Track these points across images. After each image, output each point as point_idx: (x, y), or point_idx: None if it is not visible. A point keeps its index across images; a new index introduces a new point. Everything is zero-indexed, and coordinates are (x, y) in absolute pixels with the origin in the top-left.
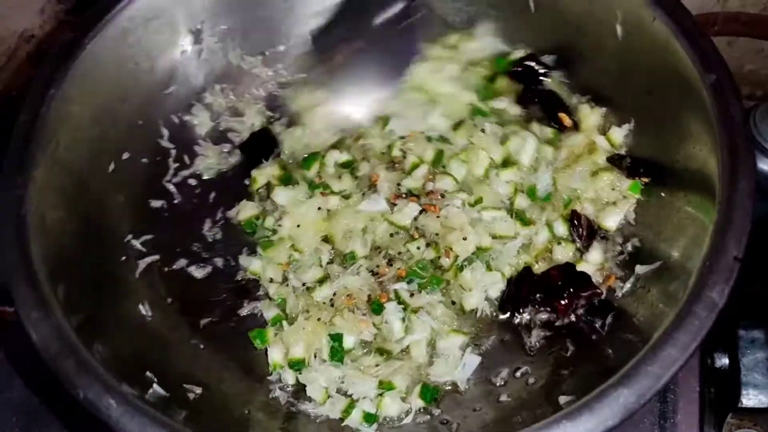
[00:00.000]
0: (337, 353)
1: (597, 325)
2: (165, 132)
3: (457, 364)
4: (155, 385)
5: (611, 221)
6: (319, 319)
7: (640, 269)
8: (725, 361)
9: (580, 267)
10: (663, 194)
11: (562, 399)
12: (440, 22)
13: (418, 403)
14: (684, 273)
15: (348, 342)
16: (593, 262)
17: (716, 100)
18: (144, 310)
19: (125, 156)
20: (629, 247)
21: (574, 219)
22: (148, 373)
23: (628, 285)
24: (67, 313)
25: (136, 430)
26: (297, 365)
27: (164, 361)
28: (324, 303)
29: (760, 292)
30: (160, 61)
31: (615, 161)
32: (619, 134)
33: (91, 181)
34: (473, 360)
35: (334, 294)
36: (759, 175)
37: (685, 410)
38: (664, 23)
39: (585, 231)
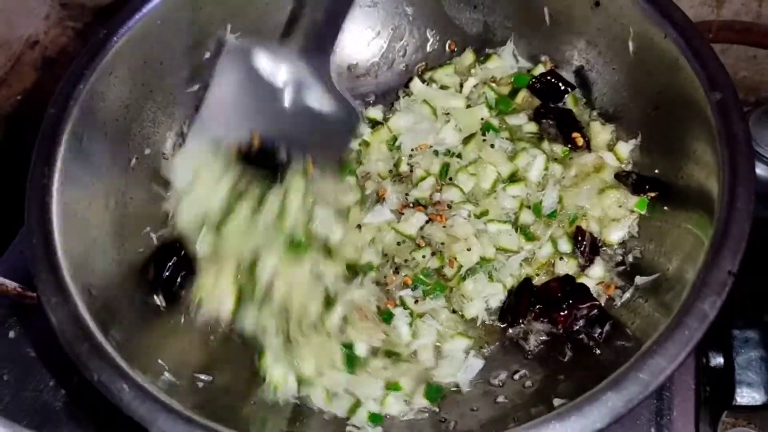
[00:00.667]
0: (352, 362)
1: (595, 335)
2: (186, 131)
3: (461, 366)
4: (166, 373)
5: (615, 236)
6: (328, 334)
7: (639, 280)
8: (720, 360)
9: (581, 281)
10: (666, 208)
11: (556, 401)
12: (458, 33)
13: (422, 402)
14: (680, 285)
15: (360, 350)
16: (594, 276)
17: (720, 118)
18: (158, 300)
19: (147, 152)
20: (630, 258)
21: (578, 236)
22: (159, 361)
23: (626, 295)
24: (85, 299)
25: (145, 414)
26: (306, 383)
27: (175, 350)
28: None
29: (754, 293)
30: (185, 60)
31: (622, 178)
32: (625, 149)
33: (113, 175)
34: (476, 363)
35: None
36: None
37: (681, 408)
38: (674, 41)
39: (588, 248)
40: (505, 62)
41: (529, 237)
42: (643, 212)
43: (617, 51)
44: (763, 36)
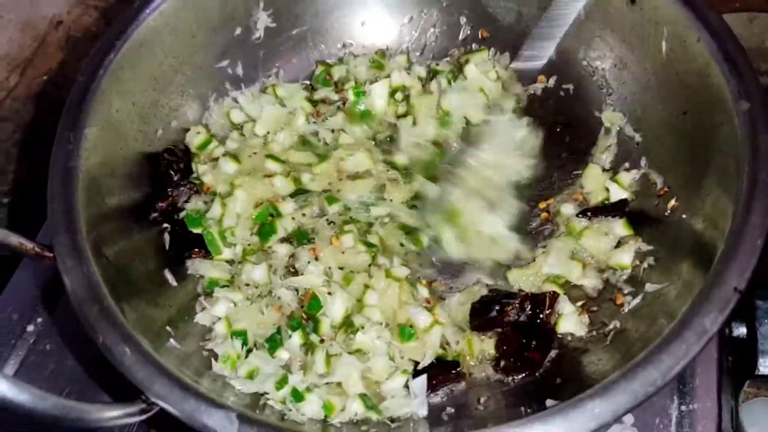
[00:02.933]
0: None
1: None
2: (212, 105)
3: (407, 396)
4: (172, 340)
5: (624, 259)
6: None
7: (649, 287)
8: (743, 330)
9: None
10: (684, 216)
11: (549, 402)
12: (491, 21)
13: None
14: (687, 296)
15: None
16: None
17: (746, 128)
18: (169, 277)
19: (173, 124)
20: (645, 265)
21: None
22: (167, 327)
23: (636, 301)
24: (101, 265)
25: (144, 378)
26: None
27: (182, 322)
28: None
29: None
30: (217, 36)
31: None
32: (627, 177)
33: (139, 145)
34: (418, 382)
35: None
36: None
37: (703, 376)
38: (707, 44)
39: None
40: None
41: None
42: (630, 233)
43: (650, 51)
44: None
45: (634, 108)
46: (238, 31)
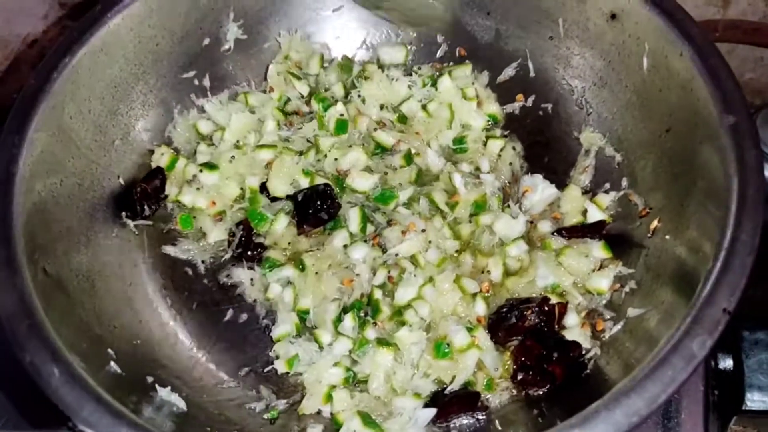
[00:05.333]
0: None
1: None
2: (177, 117)
3: (409, 421)
4: (113, 363)
5: (603, 284)
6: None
7: (631, 312)
8: (729, 362)
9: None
10: (667, 237)
11: None
12: (469, 39)
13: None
14: (672, 319)
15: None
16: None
17: (733, 143)
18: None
19: (132, 134)
20: (627, 289)
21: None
22: (109, 350)
23: (617, 327)
24: (37, 279)
25: (72, 402)
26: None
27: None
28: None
29: (764, 295)
30: (183, 45)
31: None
32: (606, 199)
33: (93, 155)
34: (426, 413)
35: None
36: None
37: (689, 411)
38: (690, 59)
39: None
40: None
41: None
42: (609, 256)
43: (631, 67)
44: None
45: (614, 127)
46: (206, 41)
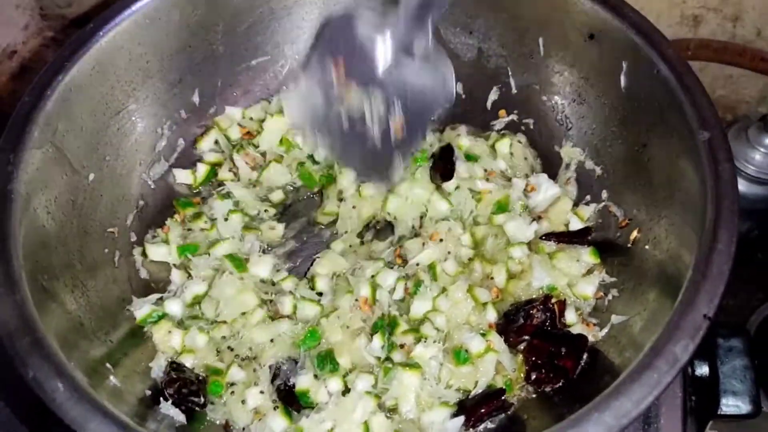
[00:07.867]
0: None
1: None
2: (167, 132)
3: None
4: (112, 377)
5: (588, 290)
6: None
7: (615, 319)
8: (705, 369)
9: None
10: (647, 247)
11: None
12: (452, 57)
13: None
14: (654, 325)
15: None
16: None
17: (708, 158)
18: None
19: (123, 150)
20: (610, 296)
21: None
22: (107, 365)
23: (603, 332)
24: (37, 295)
25: (78, 416)
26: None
27: (124, 357)
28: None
29: (737, 303)
30: (173, 62)
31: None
32: (587, 211)
33: (85, 171)
34: (455, 423)
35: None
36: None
37: (668, 416)
38: (665, 77)
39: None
40: None
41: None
42: (597, 262)
43: (609, 85)
44: (738, 55)
45: (593, 142)
46: (196, 58)
